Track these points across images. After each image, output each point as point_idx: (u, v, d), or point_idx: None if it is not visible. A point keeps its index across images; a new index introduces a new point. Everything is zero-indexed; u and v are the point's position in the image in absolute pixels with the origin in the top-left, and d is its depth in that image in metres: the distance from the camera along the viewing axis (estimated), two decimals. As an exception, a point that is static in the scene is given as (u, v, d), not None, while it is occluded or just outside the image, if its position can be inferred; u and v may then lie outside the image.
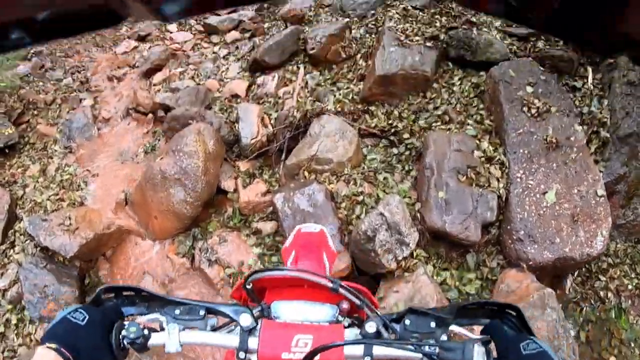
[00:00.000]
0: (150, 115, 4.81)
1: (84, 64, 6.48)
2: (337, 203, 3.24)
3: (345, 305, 0.98)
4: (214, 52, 5.56)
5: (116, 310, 0.90)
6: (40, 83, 6.00)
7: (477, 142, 3.27)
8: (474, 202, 2.91)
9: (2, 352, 3.19)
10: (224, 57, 5.38)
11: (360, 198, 3.26)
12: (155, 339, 0.84)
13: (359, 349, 0.83)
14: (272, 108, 4.28)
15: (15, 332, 3.27)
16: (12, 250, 3.75)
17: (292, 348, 0.83)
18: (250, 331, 0.87)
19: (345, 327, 0.93)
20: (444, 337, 0.85)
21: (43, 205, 4.10)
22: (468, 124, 3.49)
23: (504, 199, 2.93)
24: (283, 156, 3.72)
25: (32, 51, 6.66)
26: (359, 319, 0.99)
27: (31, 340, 3.21)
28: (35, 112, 5.42)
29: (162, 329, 0.88)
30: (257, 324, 0.88)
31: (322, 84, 4.48)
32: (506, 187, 2.96)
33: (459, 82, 3.89)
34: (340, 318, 1.00)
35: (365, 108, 4.02)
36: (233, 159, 3.88)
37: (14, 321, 3.33)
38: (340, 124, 3.61)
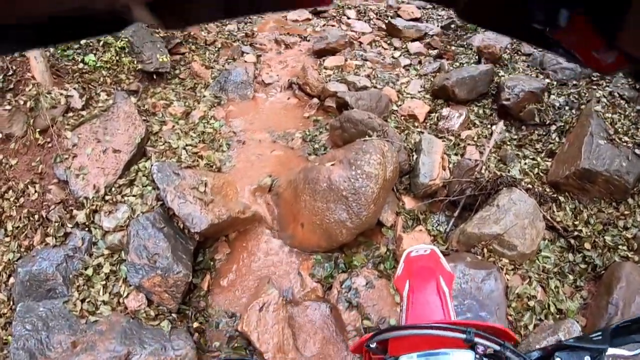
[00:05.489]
0: (315, 99, 4.53)
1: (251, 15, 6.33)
2: (509, 300, 2.87)
3: (481, 349, 0.93)
4: (393, 57, 5.20)
5: None
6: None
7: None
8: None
9: (82, 302, 2.77)
10: (404, 67, 5.01)
11: (532, 303, 2.89)
12: None
13: None
14: (452, 149, 3.89)
15: (103, 283, 2.86)
16: (128, 189, 3.29)
17: None
18: None
19: None
20: None
21: (177, 154, 3.62)
22: (658, 268, 3.03)
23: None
24: (457, 212, 3.34)
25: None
26: (498, 356, 0.93)
27: (119, 304, 2.79)
28: (193, 48, 5.21)
29: None
30: None
31: (508, 142, 4.06)
32: None
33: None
34: None
35: (555, 195, 3.57)
36: (400, 191, 3.53)
37: (105, 270, 2.91)
38: (532, 208, 3.20)
